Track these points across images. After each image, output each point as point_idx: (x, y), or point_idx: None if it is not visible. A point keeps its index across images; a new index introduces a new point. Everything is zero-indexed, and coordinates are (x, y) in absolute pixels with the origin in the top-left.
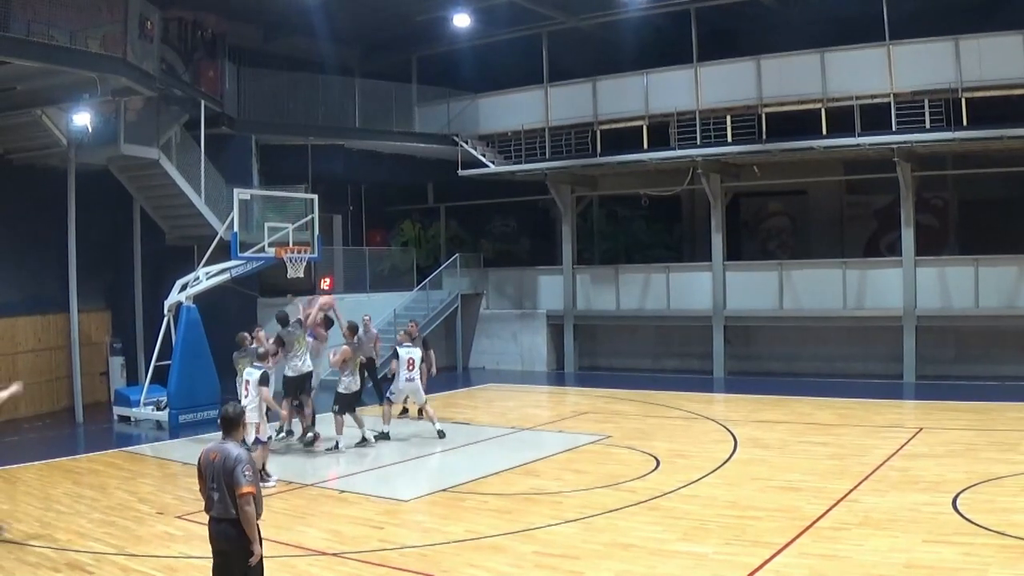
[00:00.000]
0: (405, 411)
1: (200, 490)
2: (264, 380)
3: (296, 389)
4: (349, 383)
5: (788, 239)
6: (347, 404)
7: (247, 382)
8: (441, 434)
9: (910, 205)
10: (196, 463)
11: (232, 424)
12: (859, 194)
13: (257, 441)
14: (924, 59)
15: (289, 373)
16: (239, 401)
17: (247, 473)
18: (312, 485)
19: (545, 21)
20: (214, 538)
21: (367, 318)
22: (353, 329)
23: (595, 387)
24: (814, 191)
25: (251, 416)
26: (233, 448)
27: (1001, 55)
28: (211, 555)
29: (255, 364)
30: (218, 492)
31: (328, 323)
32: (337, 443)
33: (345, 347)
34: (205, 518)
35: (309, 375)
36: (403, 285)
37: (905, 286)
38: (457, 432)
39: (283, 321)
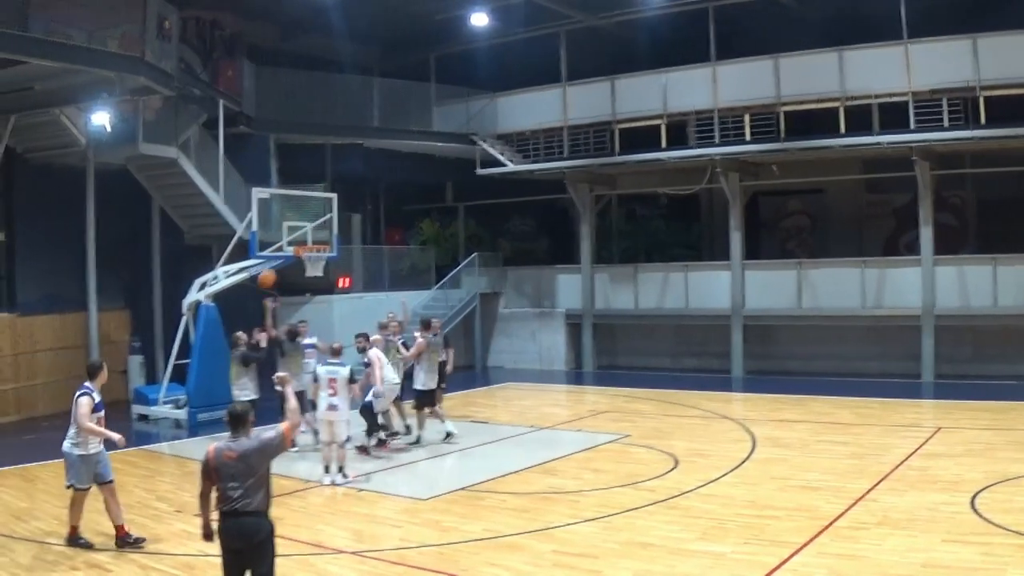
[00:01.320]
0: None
1: (203, 493)
2: (353, 379)
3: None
4: (426, 379)
5: (807, 238)
6: (426, 399)
7: (332, 380)
8: (419, 440)
9: (928, 204)
10: (203, 465)
11: (240, 421)
12: (878, 193)
13: (348, 440)
14: (942, 57)
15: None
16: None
17: (268, 435)
18: (331, 484)
19: (563, 20)
20: (231, 535)
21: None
22: (426, 324)
23: (614, 386)
24: (833, 190)
25: (342, 415)
26: (245, 441)
27: (1019, 53)
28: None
29: (335, 361)
30: (241, 488)
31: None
32: (419, 437)
33: (420, 340)
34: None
35: (396, 385)
36: (422, 284)
37: (924, 285)
38: (475, 431)
39: (292, 335)
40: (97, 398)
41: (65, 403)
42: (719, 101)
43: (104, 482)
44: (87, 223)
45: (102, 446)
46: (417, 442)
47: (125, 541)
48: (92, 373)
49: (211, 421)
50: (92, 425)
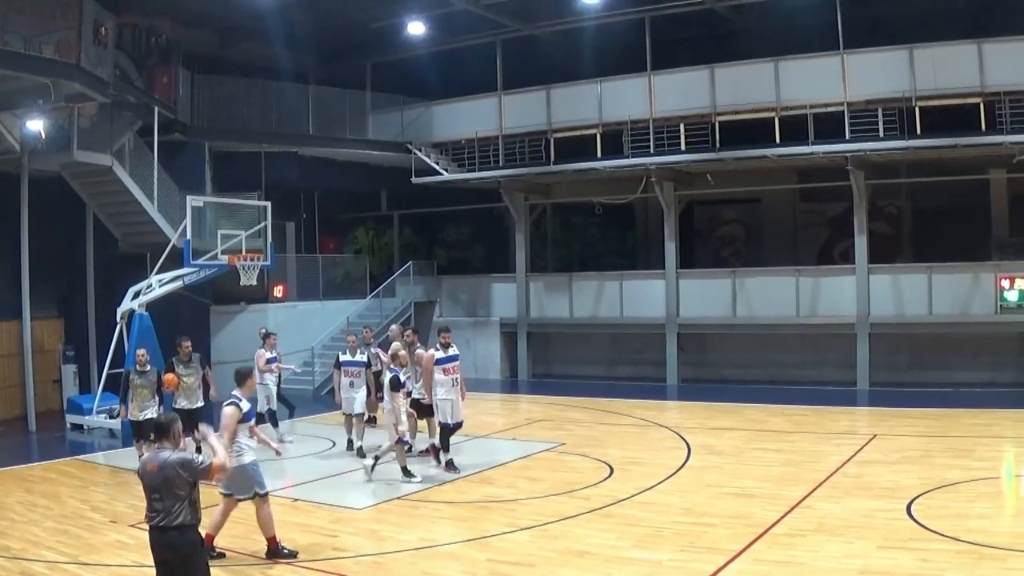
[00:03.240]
0: (372, 419)
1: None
2: (396, 385)
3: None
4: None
5: (742, 247)
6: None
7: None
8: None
9: (863, 213)
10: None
11: (163, 431)
12: (813, 202)
13: (400, 441)
14: (878, 68)
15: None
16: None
17: (198, 458)
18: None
19: (500, 29)
20: (157, 547)
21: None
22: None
23: (549, 394)
24: (768, 199)
25: (389, 417)
26: (166, 453)
27: (955, 64)
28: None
29: (391, 368)
30: (161, 501)
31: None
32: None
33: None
34: None
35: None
36: (356, 293)
37: (859, 293)
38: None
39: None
40: (246, 407)
41: (1, 411)
42: (655, 111)
43: (258, 495)
44: (21, 231)
45: (255, 456)
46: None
47: (278, 552)
48: (240, 380)
49: None
50: (226, 439)
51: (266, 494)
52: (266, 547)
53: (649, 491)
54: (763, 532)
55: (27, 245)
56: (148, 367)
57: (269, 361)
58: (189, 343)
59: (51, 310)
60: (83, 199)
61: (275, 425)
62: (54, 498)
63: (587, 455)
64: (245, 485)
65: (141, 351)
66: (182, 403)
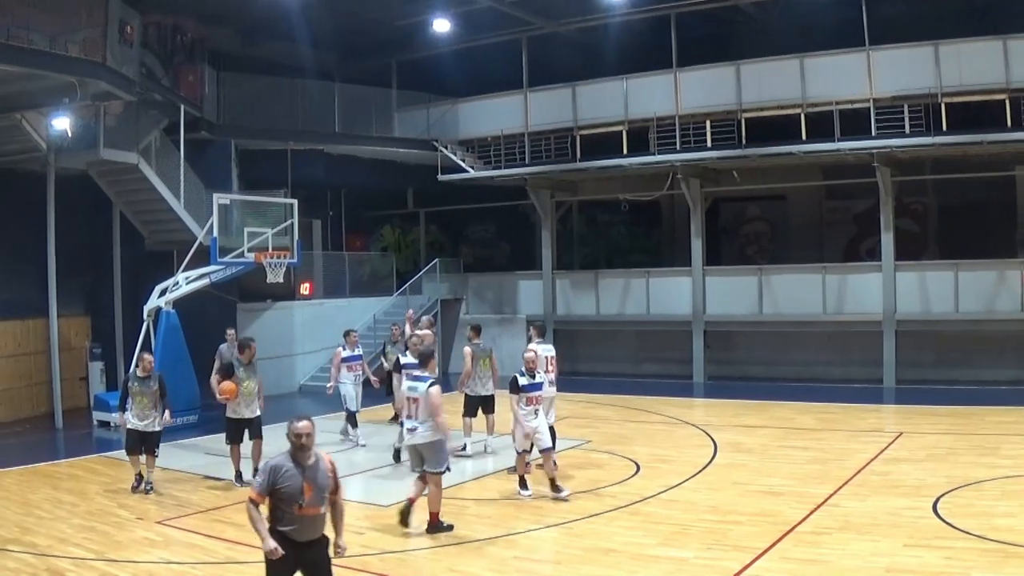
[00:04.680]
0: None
1: None
2: (514, 387)
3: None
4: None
5: (767, 244)
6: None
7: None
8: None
9: (890, 210)
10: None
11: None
12: (839, 199)
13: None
14: (903, 64)
15: (468, 392)
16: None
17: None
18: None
19: (525, 26)
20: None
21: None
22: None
23: (575, 392)
24: (793, 196)
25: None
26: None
27: (980, 60)
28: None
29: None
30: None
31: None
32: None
33: (467, 348)
34: (183, 523)
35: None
36: (383, 290)
37: (885, 291)
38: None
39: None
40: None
41: (26, 409)
42: (680, 107)
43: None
44: (48, 229)
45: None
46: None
47: (439, 527)
48: (424, 362)
49: (172, 427)
50: (443, 420)
51: (445, 471)
52: (427, 521)
53: (675, 489)
54: (789, 530)
55: (54, 243)
56: (151, 374)
57: (346, 359)
58: (254, 344)
59: (78, 308)
60: (109, 197)
61: (354, 426)
62: (81, 495)
63: (614, 452)
64: (440, 459)
65: (148, 356)
66: (243, 412)
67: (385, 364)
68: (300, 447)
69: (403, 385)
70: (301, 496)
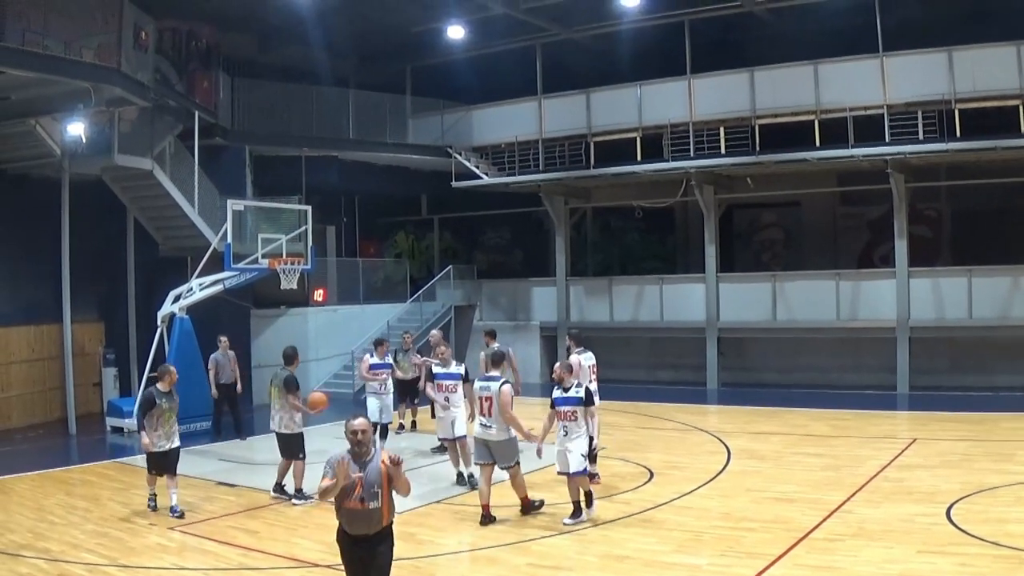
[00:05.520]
0: (402, 427)
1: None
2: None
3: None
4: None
5: (781, 250)
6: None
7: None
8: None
9: (903, 216)
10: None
11: None
12: (852, 205)
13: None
14: (917, 70)
15: None
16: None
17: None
18: (306, 498)
19: (539, 33)
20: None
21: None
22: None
23: None
24: (807, 202)
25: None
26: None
27: (994, 66)
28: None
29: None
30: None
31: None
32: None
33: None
34: (198, 529)
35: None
36: (397, 296)
37: (899, 297)
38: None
39: (288, 359)
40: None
41: (39, 415)
42: (694, 114)
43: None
44: (62, 234)
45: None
46: None
47: (530, 508)
48: (497, 363)
49: (185, 433)
50: (513, 414)
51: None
52: (520, 505)
53: (689, 495)
54: (803, 537)
55: (68, 248)
56: (174, 388)
57: (373, 367)
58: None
59: (92, 313)
60: (124, 203)
61: (383, 437)
62: (94, 500)
63: (627, 459)
64: (510, 455)
65: (173, 369)
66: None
67: (398, 372)
68: (357, 443)
69: (476, 385)
70: (352, 490)
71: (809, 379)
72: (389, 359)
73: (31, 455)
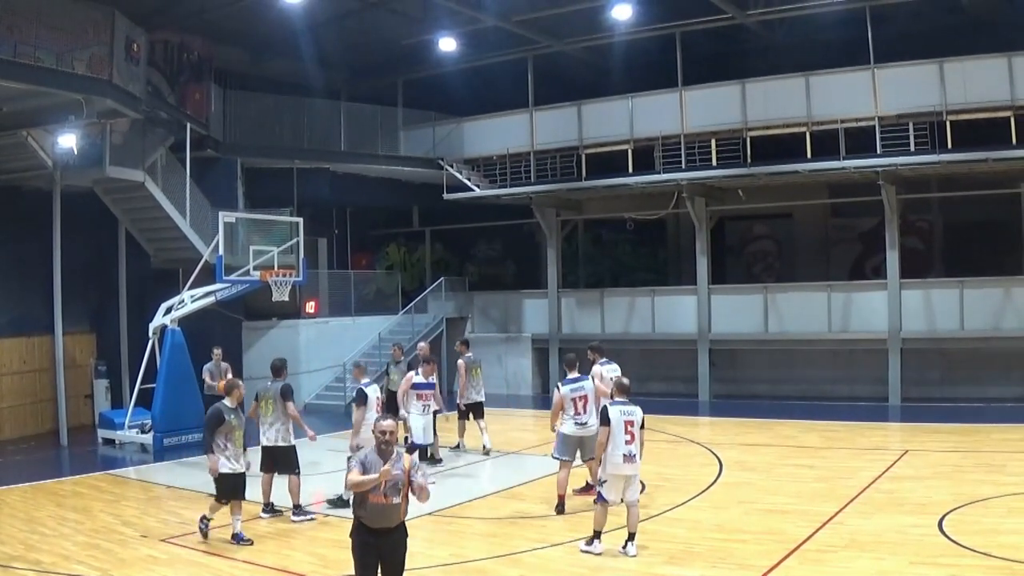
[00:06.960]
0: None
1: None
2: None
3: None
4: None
5: (773, 262)
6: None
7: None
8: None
9: (895, 228)
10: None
11: None
12: (844, 217)
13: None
14: (908, 82)
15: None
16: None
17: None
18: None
19: (531, 45)
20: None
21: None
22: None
23: None
24: (799, 214)
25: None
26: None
27: (985, 78)
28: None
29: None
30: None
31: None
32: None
33: (460, 361)
34: (187, 541)
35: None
36: (388, 309)
37: (890, 309)
38: (442, 456)
39: (276, 371)
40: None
41: (31, 426)
42: (686, 126)
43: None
44: (53, 246)
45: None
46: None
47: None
48: (571, 365)
49: (177, 446)
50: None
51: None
52: (556, 502)
53: (681, 507)
54: (794, 548)
55: (59, 260)
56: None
57: (416, 386)
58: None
59: (83, 325)
60: (115, 215)
61: (423, 458)
62: (85, 512)
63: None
64: (570, 449)
65: (240, 384)
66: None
67: (390, 386)
68: (384, 442)
69: (565, 388)
70: (378, 485)
71: (801, 391)
72: (433, 379)
73: (22, 467)
